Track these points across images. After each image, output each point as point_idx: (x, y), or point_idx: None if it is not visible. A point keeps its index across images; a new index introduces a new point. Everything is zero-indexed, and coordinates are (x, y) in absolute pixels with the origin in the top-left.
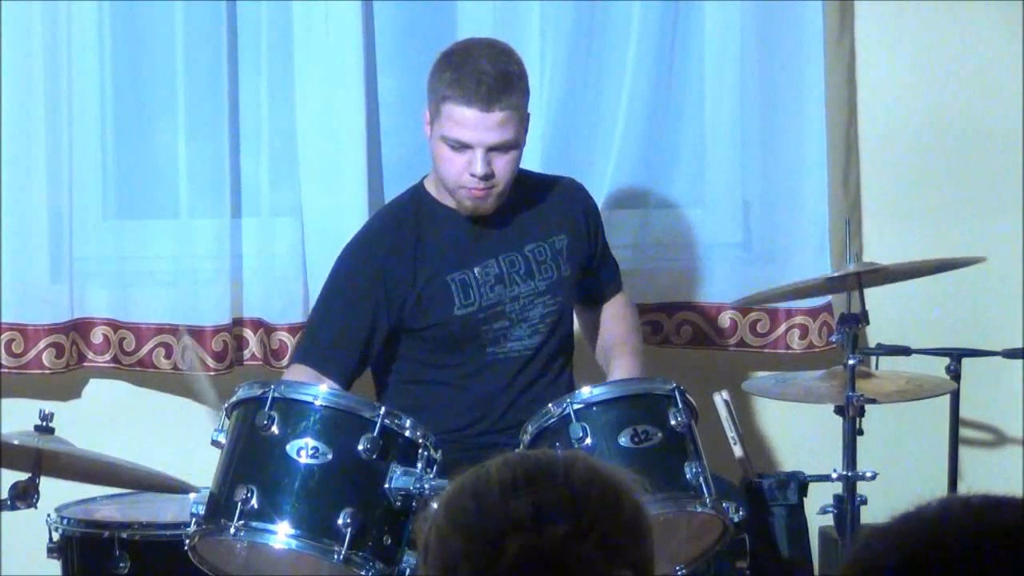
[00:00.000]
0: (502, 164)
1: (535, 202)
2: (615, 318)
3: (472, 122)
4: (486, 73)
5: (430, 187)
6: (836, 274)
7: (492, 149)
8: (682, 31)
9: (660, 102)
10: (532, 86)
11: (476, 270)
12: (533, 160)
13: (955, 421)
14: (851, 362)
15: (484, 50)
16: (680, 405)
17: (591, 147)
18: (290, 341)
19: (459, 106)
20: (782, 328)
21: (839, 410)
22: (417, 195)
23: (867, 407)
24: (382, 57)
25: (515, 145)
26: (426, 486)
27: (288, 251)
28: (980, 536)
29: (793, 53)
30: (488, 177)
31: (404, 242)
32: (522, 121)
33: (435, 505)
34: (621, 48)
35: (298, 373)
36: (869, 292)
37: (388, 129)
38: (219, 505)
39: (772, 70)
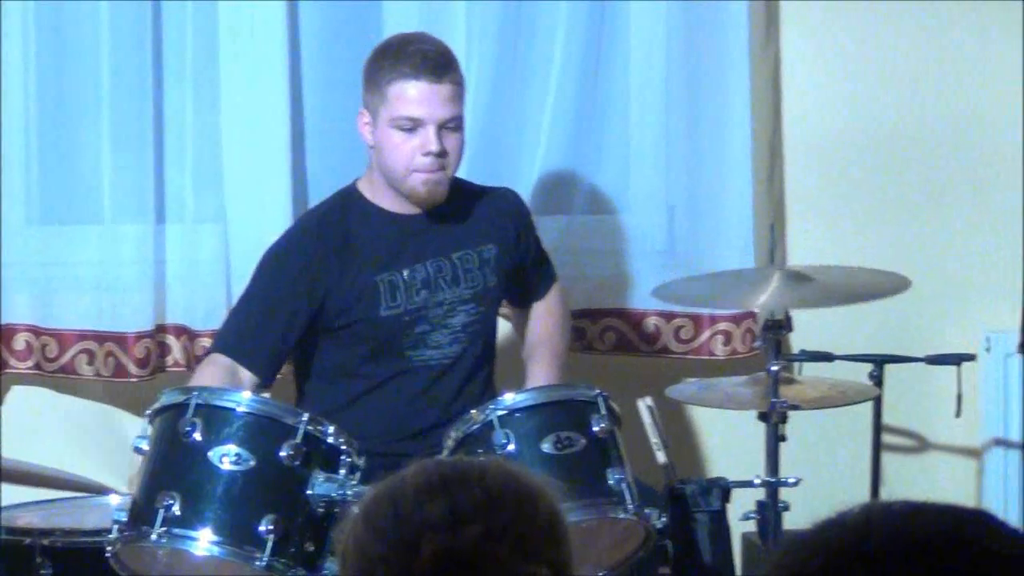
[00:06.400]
0: (452, 143)
1: (468, 210)
2: (543, 314)
3: (423, 95)
4: (429, 50)
5: (364, 189)
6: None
7: (442, 127)
8: (608, 33)
9: (585, 106)
10: (464, 88)
11: (405, 272)
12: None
13: (877, 427)
14: (774, 368)
15: (419, 36)
16: (603, 411)
17: (516, 152)
18: None
19: (408, 81)
20: (706, 334)
21: (762, 416)
22: (348, 196)
23: (790, 413)
24: (307, 62)
25: (461, 125)
26: (348, 493)
27: (212, 257)
28: (902, 542)
29: (718, 57)
30: (442, 155)
31: (330, 240)
32: (463, 104)
33: (354, 511)
34: (547, 50)
35: (213, 362)
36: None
37: (313, 135)
38: (141, 512)
39: (697, 74)
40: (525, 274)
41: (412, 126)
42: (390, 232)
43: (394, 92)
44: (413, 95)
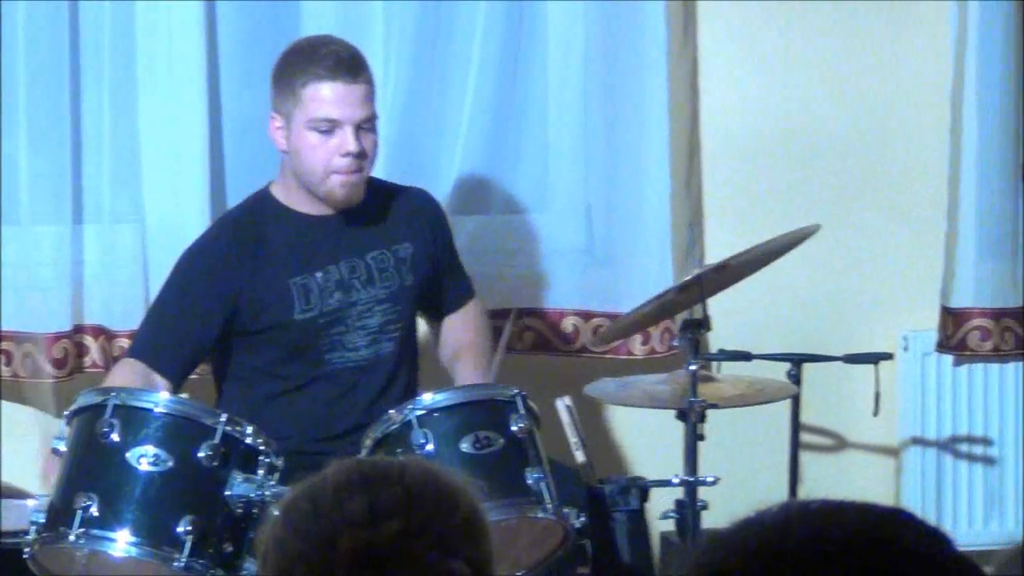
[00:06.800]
0: (369, 143)
1: (382, 209)
2: (463, 324)
3: (340, 96)
4: (340, 52)
5: (277, 192)
6: (686, 279)
7: (359, 127)
8: (526, 34)
9: (503, 106)
10: (376, 88)
11: (319, 275)
12: (377, 166)
13: (796, 426)
14: (692, 367)
15: (328, 38)
16: (522, 411)
17: (434, 151)
18: None
19: (324, 82)
20: None
21: (680, 415)
22: (262, 199)
23: (708, 412)
24: (225, 62)
25: (376, 125)
26: (267, 493)
27: (129, 257)
28: (820, 541)
29: (636, 57)
30: (360, 156)
31: (243, 243)
32: (375, 104)
33: (274, 511)
34: (465, 50)
35: (128, 367)
36: (711, 297)
37: (231, 134)
38: (59, 513)
39: (615, 74)
40: (440, 282)
41: (329, 128)
42: (304, 234)
43: (309, 94)
44: (329, 96)
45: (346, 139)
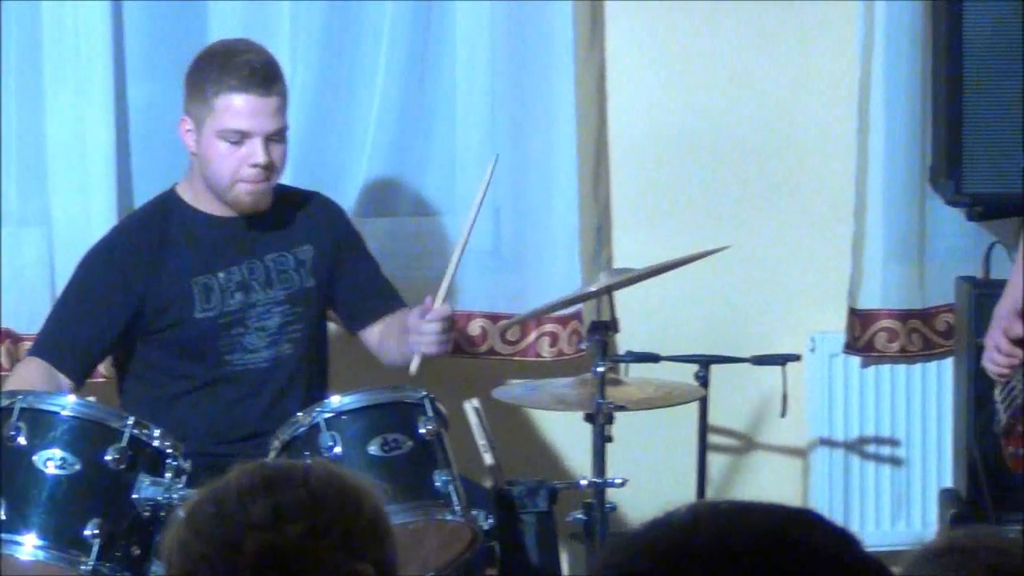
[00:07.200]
0: (278, 154)
1: (285, 213)
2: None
3: (252, 109)
4: (255, 62)
5: (183, 192)
6: (594, 288)
7: (269, 139)
8: (434, 35)
9: (411, 108)
10: (288, 97)
11: (221, 275)
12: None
13: (703, 428)
14: (600, 369)
15: (244, 44)
16: (430, 413)
17: (342, 153)
18: None
19: (236, 94)
20: (532, 336)
21: (589, 417)
22: (167, 200)
23: (617, 414)
24: (131, 63)
25: (286, 136)
26: (174, 496)
27: (36, 261)
28: (728, 542)
29: (544, 59)
30: (268, 167)
31: (146, 243)
32: (287, 114)
33: (180, 514)
34: (372, 52)
35: (31, 365)
36: (620, 300)
37: (137, 136)
38: None
39: (523, 76)
40: (355, 290)
41: (239, 138)
42: (207, 235)
43: (221, 104)
44: (241, 108)
45: (255, 151)
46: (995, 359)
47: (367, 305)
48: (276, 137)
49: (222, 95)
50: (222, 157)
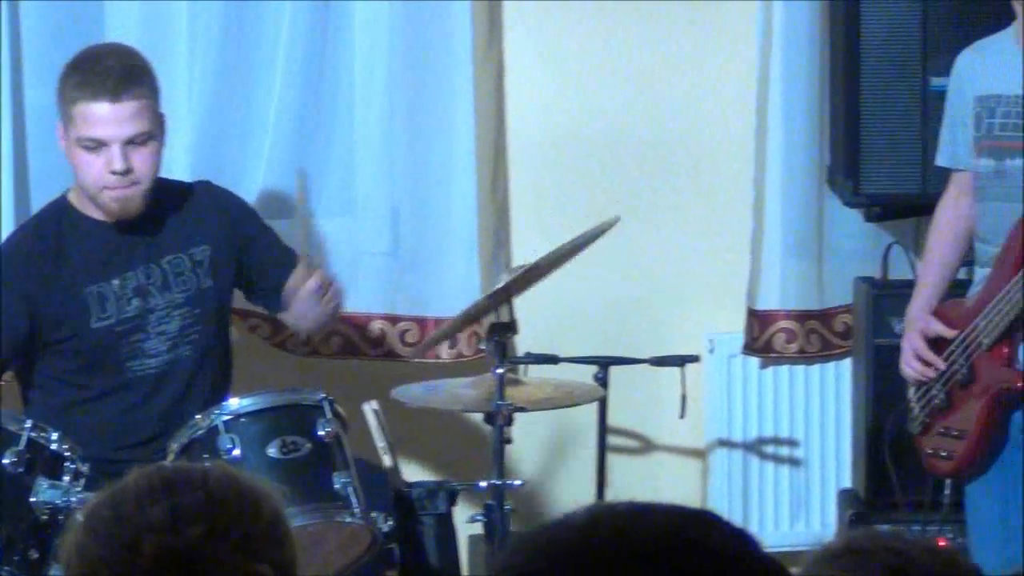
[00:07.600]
0: (141, 158)
1: (175, 211)
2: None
3: (104, 116)
4: (112, 68)
5: (73, 199)
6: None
7: (128, 143)
8: (332, 35)
9: (309, 108)
10: (180, 92)
11: (115, 282)
12: (181, 170)
13: (603, 428)
14: (499, 371)
15: (109, 50)
16: (328, 415)
17: (240, 154)
18: None
19: (89, 103)
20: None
21: (488, 418)
22: (60, 207)
23: (516, 415)
24: (29, 62)
25: (151, 136)
26: (73, 499)
27: None
28: (626, 542)
29: (442, 59)
30: (128, 172)
31: (40, 254)
32: (156, 116)
33: (78, 517)
34: (271, 52)
35: None
36: (518, 301)
37: (35, 139)
38: None
39: (421, 76)
40: (265, 272)
41: (95, 146)
42: (99, 242)
43: (77, 113)
44: (93, 116)
45: (112, 157)
46: (915, 367)
47: (282, 280)
48: (138, 140)
49: (79, 103)
50: (86, 164)
